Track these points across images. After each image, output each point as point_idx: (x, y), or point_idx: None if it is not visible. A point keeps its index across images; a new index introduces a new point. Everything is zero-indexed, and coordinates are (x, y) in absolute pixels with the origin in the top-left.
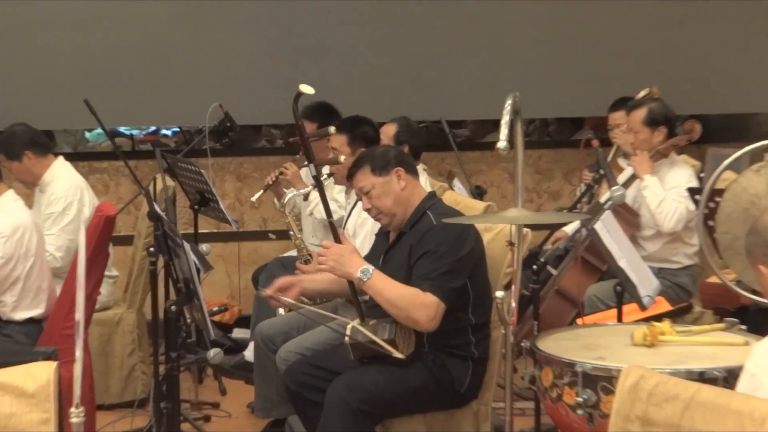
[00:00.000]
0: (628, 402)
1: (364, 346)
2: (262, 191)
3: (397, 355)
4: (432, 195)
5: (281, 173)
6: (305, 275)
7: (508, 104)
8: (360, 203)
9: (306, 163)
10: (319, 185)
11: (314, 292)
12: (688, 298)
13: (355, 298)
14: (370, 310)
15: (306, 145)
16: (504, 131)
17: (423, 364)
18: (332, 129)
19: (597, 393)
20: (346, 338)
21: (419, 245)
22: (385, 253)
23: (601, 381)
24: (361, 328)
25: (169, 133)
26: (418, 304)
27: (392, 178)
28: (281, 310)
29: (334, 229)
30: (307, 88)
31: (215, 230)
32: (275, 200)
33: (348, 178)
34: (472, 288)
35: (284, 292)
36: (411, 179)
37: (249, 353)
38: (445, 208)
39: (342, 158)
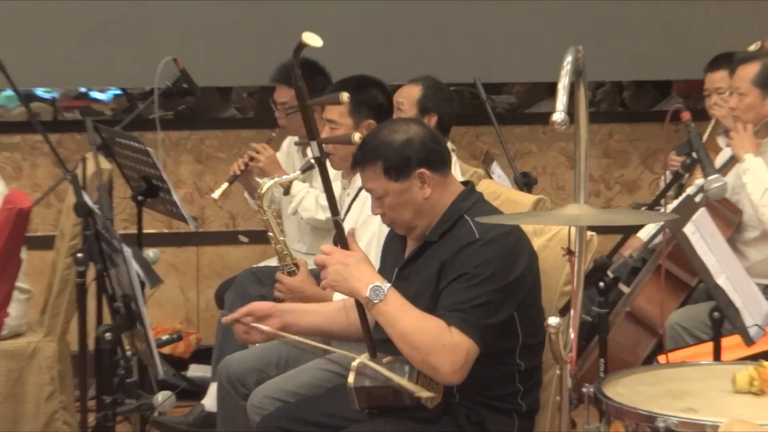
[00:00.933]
0: None
1: (374, 391)
2: (226, 184)
3: (422, 393)
4: (470, 191)
5: (252, 159)
6: (287, 305)
7: (568, 62)
8: (362, 196)
9: (298, 142)
10: (322, 170)
11: (300, 330)
12: None
13: (365, 325)
14: (381, 343)
15: (308, 116)
16: (562, 99)
17: (453, 420)
18: (345, 95)
19: None
20: (350, 379)
21: (454, 263)
22: (401, 267)
23: None
24: (371, 364)
25: (103, 97)
26: (441, 346)
27: (413, 183)
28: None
29: (339, 229)
30: (312, 38)
31: (165, 230)
32: (246, 195)
33: (353, 167)
34: (521, 324)
35: (260, 321)
36: (439, 179)
37: (209, 401)
38: (490, 209)
39: (357, 137)
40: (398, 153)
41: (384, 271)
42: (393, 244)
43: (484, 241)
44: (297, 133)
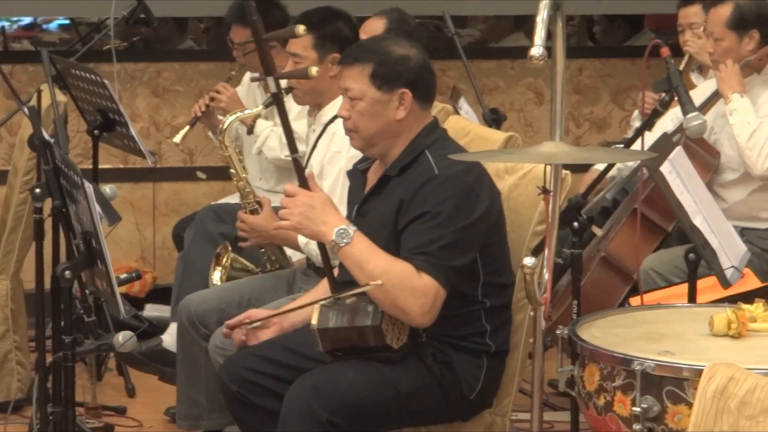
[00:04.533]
0: (713, 413)
1: (337, 333)
2: (187, 127)
3: (392, 344)
4: (433, 125)
5: (213, 99)
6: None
7: None
8: (329, 131)
9: (255, 78)
10: (279, 106)
11: (296, 325)
12: None
13: (327, 266)
14: (342, 284)
15: (263, 51)
16: (540, 33)
17: (419, 361)
18: (301, 28)
19: (662, 401)
20: (313, 321)
21: (413, 202)
22: (361, 204)
23: (668, 385)
24: (339, 295)
25: (52, 27)
26: (409, 288)
27: (393, 99)
28: (215, 279)
29: (299, 168)
30: None
31: (121, 166)
32: (209, 134)
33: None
34: (482, 262)
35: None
36: (416, 109)
37: (169, 338)
38: (452, 146)
39: (314, 70)
40: (392, 64)
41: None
42: (354, 182)
43: (443, 177)
44: (257, 70)
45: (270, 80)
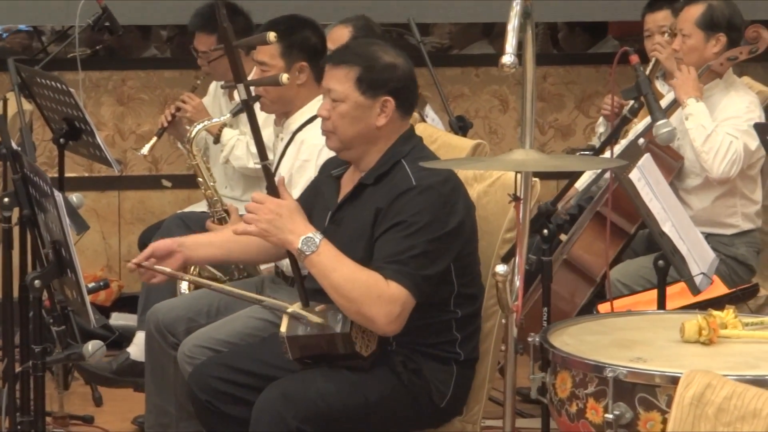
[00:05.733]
0: (690, 420)
1: (307, 340)
2: (155, 138)
3: (360, 350)
4: (410, 134)
5: (178, 109)
6: (186, 238)
7: (517, 3)
8: (297, 140)
9: (225, 84)
10: (250, 113)
11: (199, 262)
12: (749, 276)
13: (297, 274)
14: (313, 292)
15: (234, 58)
16: (511, 41)
17: (389, 369)
18: (272, 35)
19: (634, 408)
20: (282, 329)
21: (390, 211)
22: (335, 210)
23: (641, 392)
24: (305, 313)
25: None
26: (376, 297)
27: (375, 106)
28: (183, 287)
29: (269, 174)
30: None
31: (86, 174)
32: (179, 146)
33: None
34: (456, 273)
35: (162, 260)
36: (397, 118)
37: (136, 349)
38: (429, 155)
39: (285, 77)
40: (379, 70)
41: (316, 214)
42: (326, 186)
43: (420, 188)
44: (223, 78)
45: (240, 87)
